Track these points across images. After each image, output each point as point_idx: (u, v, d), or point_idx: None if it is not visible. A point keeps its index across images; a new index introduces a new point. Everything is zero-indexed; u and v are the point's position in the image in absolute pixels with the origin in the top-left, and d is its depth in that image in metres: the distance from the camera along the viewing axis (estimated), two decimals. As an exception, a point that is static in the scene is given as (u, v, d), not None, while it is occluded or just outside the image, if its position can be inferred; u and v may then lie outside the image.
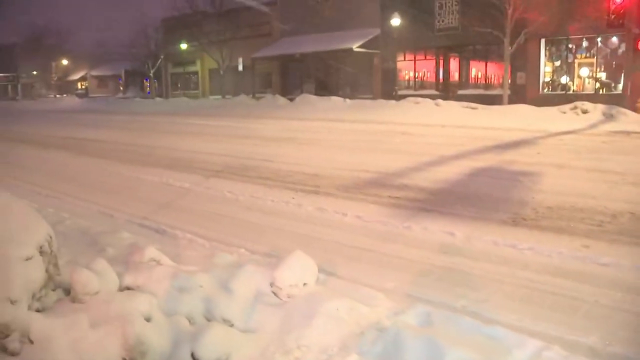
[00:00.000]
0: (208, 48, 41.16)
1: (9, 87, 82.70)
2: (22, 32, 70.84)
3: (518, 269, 5.06)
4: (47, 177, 11.56)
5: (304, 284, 4.00)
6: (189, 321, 3.80)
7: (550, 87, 26.04)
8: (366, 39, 31.22)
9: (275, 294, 3.95)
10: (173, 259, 4.57)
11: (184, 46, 45.15)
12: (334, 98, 29.52)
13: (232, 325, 3.75)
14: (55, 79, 70.98)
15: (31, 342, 3.29)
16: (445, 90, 28.99)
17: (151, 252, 4.29)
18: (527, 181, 8.95)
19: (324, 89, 33.86)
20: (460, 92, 28.10)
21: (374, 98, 30.20)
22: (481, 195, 8.13)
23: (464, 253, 5.55)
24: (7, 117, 35.74)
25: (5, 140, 19.90)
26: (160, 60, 49.88)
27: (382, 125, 18.92)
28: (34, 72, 73.49)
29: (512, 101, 23.79)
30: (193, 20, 41.29)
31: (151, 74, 51.56)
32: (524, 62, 25.49)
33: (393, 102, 27.02)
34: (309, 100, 30.21)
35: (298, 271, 4.02)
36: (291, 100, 32.15)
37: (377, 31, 31.44)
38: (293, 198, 8.33)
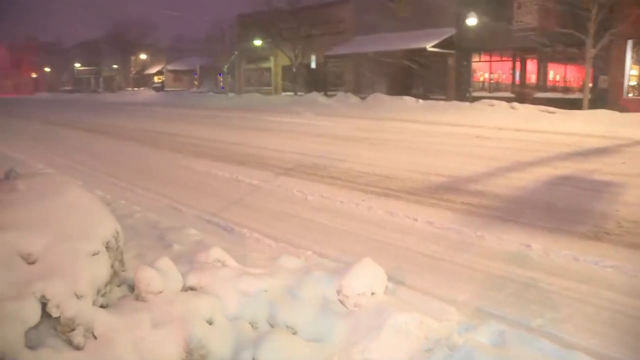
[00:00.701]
0: (282, 45, 41.44)
1: (92, 79, 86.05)
2: (105, 28, 73.47)
3: (601, 289, 4.71)
4: (122, 168, 11.83)
5: (372, 294, 3.85)
6: (252, 326, 3.72)
7: (636, 92, 24.82)
8: (441, 39, 30.68)
9: (341, 302, 3.82)
10: (239, 260, 4.51)
11: (258, 42, 45.58)
12: (406, 98, 29.13)
13: (295, 333, 3.65)
14: (134, 72, 73.12)
15: (95, 337, 3.29)
16: (522, 92, 28.09)
17: (216, 252, 4.24)
18: (610, 192, 8.47)
19: (396, 88, 33.46)
20: (537, 95, 27.17)
21: (447, 99, 29.64)
22: (560, 205, 7.72)
23: (541, 267, 5.24)
24: (88, 109, 37.09)
25: (85, 131, 20.60)
26: (234, 56, 50.56)
27: (456, 128, 18.50)
28: (115, 66, 75.98)
29: (592, 106, 22.75)
30: (268, 17, 41.59)
31: (225, 70, 52.34)
32: (607, 65, 24.34)
33: (467, 103, 26.41)
34: (381, 100, 29.94)
35: (366, 280, 3.87)
36: (363, 99, 31.95)
37: (452, 31, 30.85)
38: (363, 200, 8.18)
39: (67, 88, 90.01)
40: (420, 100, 28.50)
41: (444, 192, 8.63)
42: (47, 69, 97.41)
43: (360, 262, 4.00)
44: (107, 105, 43.60)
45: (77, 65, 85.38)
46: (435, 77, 32.60)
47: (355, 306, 3.76)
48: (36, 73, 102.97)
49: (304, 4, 40.24)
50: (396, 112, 25.41)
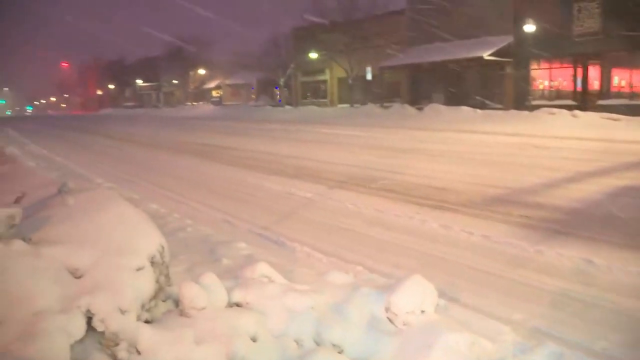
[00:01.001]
0: (337, 57, 41.58)
1: (153, 95, 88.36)
2: (165, 44, 75.37)
3: (673, 309, 4.42)
4: (177, 181, 11.99)
5: (422, 312, 3.71)
6: (297, 344, 3.63)
7: None
8: (498, 47, 30.15)
9: (390, 320, 3.70)
10: (287, 275, 4.45)
11: (313, 55, 45.86)
12: (464, 108, 28.64)
13: (341, 352, 3.55)
14: (193, 87, 74.67)
15: (138, 352, 3.27)
16: (584, 100, 27.21)
17: (263, 267, 4.19)
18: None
19: (453, 98, 33.00)
20: (601, 102, 26.23)
21: (505, 108, 29.04)
22: (624, 218, 7.35)
23: (604, 285, 4.95)
24: (148, 124, 38.00)
25: (145, 146, 21.08)
26: (290, 69, 51.01)
27: (514, 137, 18.04)
28: (175, 81, 77.80)
29: (662, 112, 21.82)
30: (323, 29, 41.82)
31: (281, 83, 52.85)
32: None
33: (526, 112, 25.77)
34: (437, 110, 29.58)
35: (416, 297, 3.73)
36: (419, 109, 31.64)
37: (509, 38, 30.27)
38: (418, 213, 8.00)
39: (129, 104, 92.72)
40: (478, 110, 27.99)
41: (501, 204, 8.37)
42: (111, 86, 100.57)
43: (409, 278, 3.87)
44: (167, 119, 44.58)
45: (139, 81, 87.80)
46: (493, 86, 32.05)
47: (404, 325, 3.64)
48: (101, 90, 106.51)
49: (358, 16, 40.24)
50: (453, 122, 25.02)
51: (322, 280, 4.34)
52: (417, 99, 36.49)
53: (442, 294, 4.15)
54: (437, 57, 33.25)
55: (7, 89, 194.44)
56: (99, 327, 3.24)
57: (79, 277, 3.47)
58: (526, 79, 30.11)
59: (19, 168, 10.99)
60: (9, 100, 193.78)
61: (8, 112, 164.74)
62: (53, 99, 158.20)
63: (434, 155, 14.28)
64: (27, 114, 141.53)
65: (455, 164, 12.67)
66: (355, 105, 41.07)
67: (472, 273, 5.44)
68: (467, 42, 32.10)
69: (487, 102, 31.15)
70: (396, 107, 34.06)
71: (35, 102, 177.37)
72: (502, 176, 10.76)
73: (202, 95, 76.18)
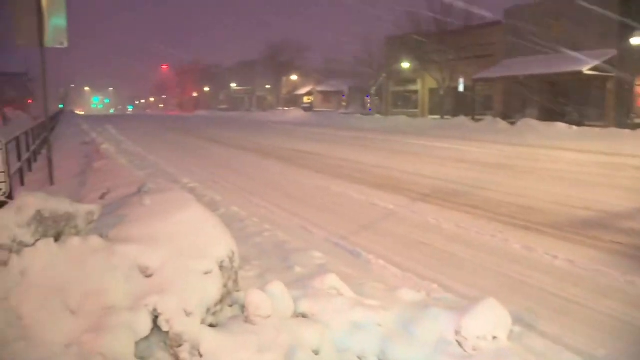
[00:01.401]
0: (429, 68, 41.14)
1: (246, 99, 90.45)
2: (261, 50, 77.22)
3: None
4: (260, 185, 12.13)
5: (494, 338, 3.53)
6: (360, 360, 3.56)
7: None
8: (599, 61, 28.83)
9: (459, 344, 3.54)
10: (357, 288, 4.35)
11: (405, 65, 45.57)
12: (559, 124, 27.53)
13: (406, 373, 3.44)
14: (285, 92, 75.90)
15: (200, 355, 3.28)
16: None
17: (332, 279, 4.12)
18: None
19: (548, 113, 31.87)
20: None
21: (605, 126, 27.71)
22: None
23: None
24: (240, 126, 38.86)
25: (233, 148, 21.52)
26: (382, 78, 50.89)
27: (612, 157, 17.14)
28: (268, 86, 79.38)
29: None
30: (416, 39, 41.48)
31: (372, 92, 52.81)
32: None
33: (627, 131, 24.49)
34: (531, 125, 28.59)
35: (488, 322, 3.56)
36: (512, 124, 30.68)
37: (612, 52, 28.93)
38: (500, 232, 7.72)
39: (222, 107, 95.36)
40: (574, 127, 26.83)
41: (591, 228, 7.93)
42: (207, 89, 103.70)
43: (483, 301, 3.70)
44: (258, 123, 45.44)
45: (234, 85, 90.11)
46: (592, 102, 30.74)
47: (473, 350, 3.47)
48: (197, 92, 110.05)
49: (452, 26, 39.66)
50: (547, 138, 24.12)
51: (393, 297, 4.23)
52: (510, 113, 35.52)
53: (517, 320, 3.95)
54: (533, 71, 32.25)
55: (111, 88, 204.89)
56: (164, 327, 3.29)
57: (148, 276, 3.53)
58: (630, 95, 28.66)
59: (111, 165, 11.44)
60: (112, 99, 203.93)
61: (111, 111, 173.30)
62: (152, 99, 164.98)
63: (523, 172, 13.78)
64: (128, 112, 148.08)
65: (544, 183, 12.17)
66: (446, 117, 40.45)
67: (553, 300, 5.16)
68: (566, 55, 30.91)
69: (585, 118, 29.87)
70: (488, 120, 33.21)
71: (135, 102, 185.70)
72: (594, 198, 10.22)
73: (293, 100, 77.34)
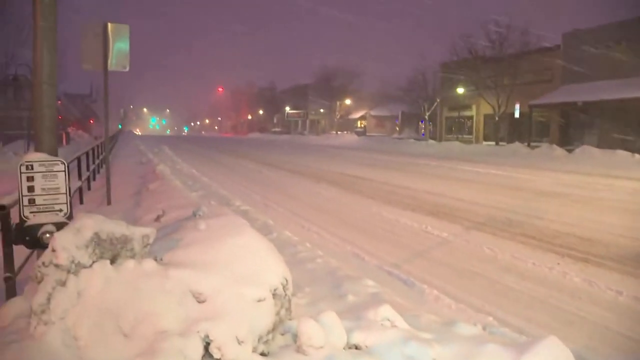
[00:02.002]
0: (484, 93, 40.70)
1: (300, 122, 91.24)
2: (315, 74, 77.97)
3: None
4: (313, 210, 12.12)
5: (556, 379, 3.39)
6: (413, 396, 3.45)
7: None
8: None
9: (518, 383, 3.40)
10: (411, 320, 4.25)
11: (460, 90, 45.22)
12: (620, 152, 26.71)
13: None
14: (338, 116, 76.23)
15: (251, 384, 3.26)
16: None
17: (386, 310, 4.03)
18: None
19: (608, 141, 31.02)
20: None
21: (670, 155, 26.78)
22: None
23: None
24: (293, 150, 39.13)
25: (287, 171, 21.63)
26: (436, 103, 50.61)
27: (677, 188, 16.52)
28: (321, 110, 79.92)
29: None
30: (471, 64, 41.17)
31: (426, 117, 52.51)
32: None
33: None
34: (590, 153, 27.87)
35: (549, 362, 3.42)
36: (569, 151, 29.96)
37: (677, 78, 28.05)
38: (558, 264, 7.47)
39: (276, 129, 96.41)
40: (637, 155, 25.97)
41: (657, 262, 7.61)
42: (261, 112, 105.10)
43: (544, 339, 3.55)
44: (311, 147, 45.68)
45: (287, 108, 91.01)
46: (656, 130, 29.77)
47: (533, 390, 3.32)
48: (251, 115, 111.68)
49: (508, 51, 39.21)
50: (607, 167, 23.42)
51: (448, 330, 4.11)
52: (568, 140, 34.76)
53: (579, 360, 3.77)
54: (593, 97, 31.49)
55: (168, 110, 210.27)
56: (215, 354, 3.27)
57: (201, 302, 3.52)
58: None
59: (166, 186, 11.62)
60: (168, 121, 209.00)
61: (167, 132, 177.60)
62: (207, 121, 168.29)
63: (581, 202, 13.36)
64: (184, 134, 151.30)
65: (604, 213, 11.76)
66: (501, 143, 39.87)
67: (617, 339, 4.93)
68: (626, 81, 30.13)
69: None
70: (544, 147, 32.52)
71: (191, 123, 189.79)
72: (659, 231, 9.83)
73: (346, 124, 77.61)
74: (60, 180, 4.61)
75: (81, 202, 12.10)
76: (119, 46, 10.13)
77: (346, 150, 40.70)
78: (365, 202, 13.29)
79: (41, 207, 4.58)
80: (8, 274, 4.65)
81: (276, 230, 8.98)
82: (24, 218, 4.53)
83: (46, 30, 4.68)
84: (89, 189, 14.81)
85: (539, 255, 7.94)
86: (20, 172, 4.53)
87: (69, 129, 55.09)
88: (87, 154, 15.33)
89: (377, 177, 19.03)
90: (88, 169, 15.15)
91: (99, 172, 18.95)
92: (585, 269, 7.23)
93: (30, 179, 4.53)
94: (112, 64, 10.21)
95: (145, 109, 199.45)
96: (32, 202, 4.56)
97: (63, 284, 3.54)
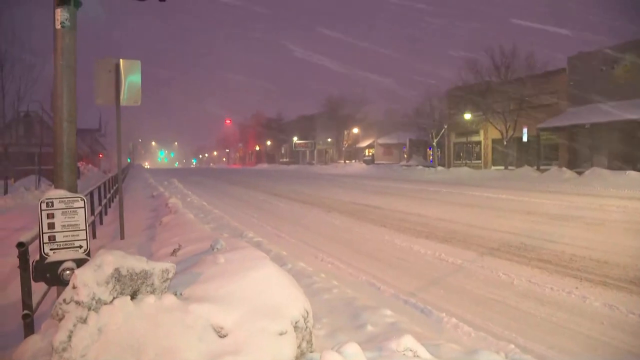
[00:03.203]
0: (492, 118, 40.78)
1: (307, 152, 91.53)
2: (322, 104, 78.42)
3: None
4: (325, 239, 12.09)
5: (584, 407, 3.34)
6: None
7: None
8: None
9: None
10: (432, 349, 4.19)
11: (467, 116, 45.32)
12: (631, 173, 26.57)
13: None
14: (346, 145, 76.44)
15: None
16: None
17: (408, 341, 3.99)
18: None
19: (618, 162, 30.95)
20: None
21: (680, 175, 26.64)
22: None
23: None
24: (302, 180, 39.18)
25: (297, 202, 21.63)
26: (444, 129, 50.69)
27: (690, 208, 16.40)
28: (329, 139, 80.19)
29: None
30: (478, 90, 41.32)
31: (434, 143, 52.58)
32: None
33: None
34: (600, 175, 27.75)
35: (577, 389, 3.37)
36: (579, 173, 29.85)
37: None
38: (576, 288, 7.41)
39: (284, 160, 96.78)
40: (648, 176, 25.87)
41: (676, 285, 7.52)
42: (268, 142, 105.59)
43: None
44: (320, 176, 45.73)
45: (295, 138, 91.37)
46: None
47: (562, 419, 3.27)
48: (259, 146, 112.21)
49: (514, 76, 39.36)
50: (618, 188, 23.32)
51: (471, 359, 4.06)
52: (577, 162, 34.69)
53: (606, 387, 3.72)
54: (601, 119, 31.50)
55: (176, 143, 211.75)
56: (239, 389, 3.23)
57: (223, 337, 3.51)
58: None
59: (179, 219, 11.63)
60: (177, 153, 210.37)
61: (176, 164, 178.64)
62: (215, 152, 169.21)
63: (594, 224, 13.28)
64: (192, 166, 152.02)
65: (618, 235, 11.68)
66: (510, 167, 39.80)
67: (642, 364, 4.87)
68: (633, 101, 30.12)
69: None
70: (553, 170, 32.44)
71: (199, 155, 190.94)
72: (676, 252, 9.74)
73: (354, 153, 77.79)
74: (80, 217, 4.64)
75: (94, 236, 12.13)
76: (131, 81, 10.26)
77: (355, 178, 40.71)
78: (378, 230, 13.26)
79: (61, 243, 4.59)
80: (26, 312, 4.66)
81: (290, 262, 8.95)
82: (45, 255, 4.55)
83: (66, 69, 4.76)
84: (101, 223, 14.85)
85: (556, 280, 7.87)
86: (41, 209, 4.55)
87: (79, 164, 55.48)
88: (98, 188, 15.41)
89: (388, 205, 19.00)
90: (100, 203, 15.21)
91: (109, 206, 19.02)
92: (605, 292, 7.16)
93: (50, 215, 4.56)
94: (124, 99, 10.33)
95: (153, 142, 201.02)
96: (52, 239, 4.58)
97: (84, 321, 3.53)
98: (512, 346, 5.13)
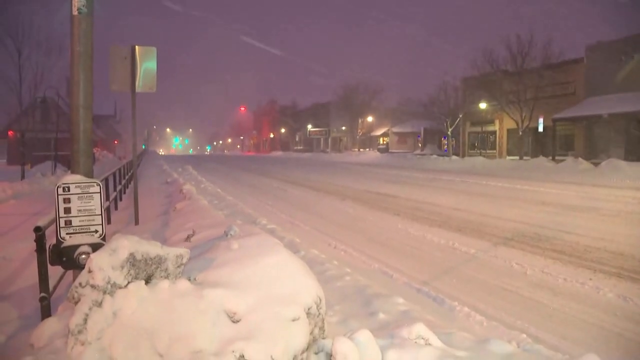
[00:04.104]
0: (507, 107, 40.48)
1: (322, 140, 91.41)
2: (336, 92, 78.22)
3: None
4: (339, 228, 12.11)
5: (596, 397, 3.34)
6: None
7: None
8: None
9: (557, 402, 3.36)
10: (444, 338, 4.19)
11: (482, 105, 45.02)
12: (648, 164, 26.36)
13: None
14: (360, 134, 76.27)
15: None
16: None
17: (420, 329, 4.00)
18: None
19: (636, 153, 30.65)
20: None
21: (698, 166, 26.36)
22: None
23: None
24: (316, 168, 39.19)
25: (310, 189, 21.66)
26: (458, 119, 50.42)
27: None
28: (343, 127, 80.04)
29: None
30: (493, 79, 41.03)
31: (449, 132, 52.32)
32: None
33: None
34: (616, 166, 27.49)
35: (589, 380, 3.38)
36: (595, 164, 29.58)
37: None
38: (590, 279, 7.38)
39: (298, 147, 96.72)
40: (665, 167, 25.60)
41: (691, 277, 7.47)
42: (283, 130, 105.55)
43: (583, 357, 3.51)
44: (334, 164, 45.72)
45: (309, 126, 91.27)
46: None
47: (573, 409, 3.28)
48: (273, 133, 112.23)
49: (531, 65, 39.01)
50: (635, 179, 23.12)
51: (482, 348, 4.07)
52: (593, 153, 34.39)
53: (618, 377, 3.72)
54: (618, 109, 31.18)
55: (191, 130, 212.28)
56: (251, 374, 3.26)
57: (236, 322, 3.53)
58: None
59: (193, 205, 11.68)
60: (191, 140, 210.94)
61: (190, 151, 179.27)
62: (229, 140, 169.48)
63: (609, 215, 13.19)
64: (206, 153, 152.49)
65: (634, 227, 11.61)
66: (525, 157, 39.55)
67: (655, 355, 4.85)
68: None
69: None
70: (569, 160, 32.16)
71: (213, 143, 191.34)
72: (692, 244, 9.67)
73: (369, 141, 77.61)
74: (96, 202, 4.68)
75: (109, 222, 12.23)
76: (147, 68, 10.29)
77: (369, 167, 40.66)
78: (391, 219, 13.25)
79: (77, 228, 4.65)
80: (43, 294, 4.72)
81: (303, 249, 8.99)
82: (61, 239, 4.60)
83: (83, 55, 4.79)
84: (116, 208, 14.96)
85: (570, 271, 7.85)
86: (58, 194, 4.60)
87: (95, 150, 55.84)
88: (113, 174, 15.52)
89: (402, 194, 18.98)
90: (115, 189, 15.32)
91: (124, 192, 19.15)
92: (619, 284, 7.13)
93: (66, 200, 4.61)
94: (140, 85, 10.36)
95: (168, 129, 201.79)
96: (68, 223, 4.63)
97: (99, 304, 3.57)
98: (524, 336, 5.14)
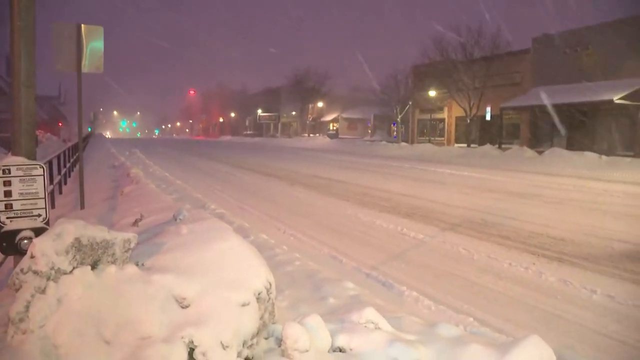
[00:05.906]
0: (456, 96, 41.04)
1: (272, 125, 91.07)
2: (287, 77, 77.90)
3: None
4: (288, 212, 12.10)
5: (539, 378, 3.42)
6: (398, 397, 3.45)
7: None
8: (631, 90, 28.52)
9: (502, 383, 3.43)
10: (393, 322, 4.23)
11: (432, 93, 45.53)
12: (588, 154, 27.12)
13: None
14: (310, 119, 76.25)
15: (236, 390, 3.23)
16: None
17: (370, 313, 4.03)
18: None
19: (577, 143, 31.54)
20: None
21: (636, 156, 27.28)
22: None
23: None
24: (266, 153, 39.04)
25: (260, 174, 21.56)
26: (408, 106, 50.89)
27: (644, 188, 16.86)
28: (293, 113, 79.87)
29: None
30: (443, 67, 41.49)
31: (398, 119, 52.79)
32: None
33: (659, 161, 24.10)
34: (559, 155, 28.24)
35: (532, 361, 3.45)
36: (539, 153, 30.29)
37: (643, 81, 28.61)
38: (534, 264, 7.57)
39: (248, 132, 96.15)
40: (604, 157, 26.41)
41: (629, 261, 7.73)
42: (232, 114, 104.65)
43: (526, 339, 3.58)
44: (284, 150, 45.61)
45: (259, 111, 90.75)
46: (623, 132, 30.35)
47: (517, 390, 3.35)
48: (223, 118, 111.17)
49: (479, 54, 39.64)
50: (576, 168, 23.83)
51: (431, 332, 4.12)
52: (538, 142, 35.24)
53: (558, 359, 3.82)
54: (562, 100, 31.97)
55: (139, 113, 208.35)
56: (200, 360, 3.22)
57: (185, 307, 3.48)
58: (661, 125, 28.28)
59: (141, 189, 11.47)
60: (139, 123, 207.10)
61: (138, 134, 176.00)
62: (178, 123, 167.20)
63: (553, 203, 13.56)
64: (154, 137, 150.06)
65: (575, 213, 11.96)
66: (473, 145, 40.24)
67: (594, 337, 5.01)
68: (595, 84, 30.65)
69: (615, 148, 29.52)
70: (515, 149, 32.89)
71: (162, 126, 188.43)
72: (630, 230, 10.02)
73: (318, 127, 77.67)
74: (39, 185, 4.53)
75: (53, 206, 11.90)
76: (93, 48, 9.99)
77: (319, 152, 40.73)
78: (341, 204, 13.31)
79: (19, 212, 4.49)
80: (-18, 281, 4.56)
81: (252, 234, 8.94)
82: (1, 224, 4.44)
83: (24, 30, 4.59)
84: (61, 193, 14.58)
85: (514, 256, 8.04)
86: (-3, 177, 4.43)
87: (38, 132, 54.19)
88: (57, 157, 15.10)
89: (351, 180, 19.08)
90: (59, 173, 14.92)
91: (69, 175, 18.67)
92: (560, 268, 7.34)
93: (7, 183, 4.44)
94: (86, 65, 10.06)
95: (115, 112, 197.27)
96: (9, 207, 4.47)
97: (42, 291, 3.47)
98: (471, 319, 5.25)
